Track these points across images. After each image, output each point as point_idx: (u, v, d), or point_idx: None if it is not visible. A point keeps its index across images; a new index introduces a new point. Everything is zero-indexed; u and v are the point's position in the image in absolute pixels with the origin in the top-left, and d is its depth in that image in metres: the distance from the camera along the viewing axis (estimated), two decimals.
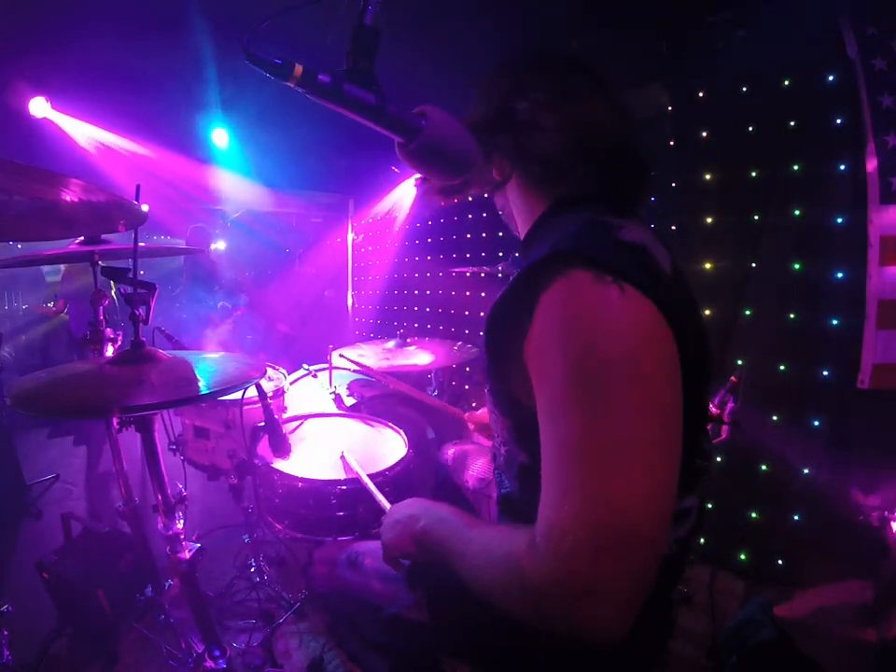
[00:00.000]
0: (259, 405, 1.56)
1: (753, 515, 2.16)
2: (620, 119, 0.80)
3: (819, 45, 1.94)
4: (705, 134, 2.25)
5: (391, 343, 2.41)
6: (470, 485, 1.37)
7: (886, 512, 1.94)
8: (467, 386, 3.47)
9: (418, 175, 0.93)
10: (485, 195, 0.93)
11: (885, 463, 1.96)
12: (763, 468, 2.15)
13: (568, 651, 0.75)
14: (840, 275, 2.00)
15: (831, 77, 1.97)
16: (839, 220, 1.99)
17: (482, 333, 0.74)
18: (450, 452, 1.50)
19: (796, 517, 2.08)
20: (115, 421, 1.35)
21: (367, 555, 1.01)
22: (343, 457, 1.54)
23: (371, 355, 2.27)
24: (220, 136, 3.36)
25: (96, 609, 1.67)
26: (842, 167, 1.98)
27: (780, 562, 2.08)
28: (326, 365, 2.18)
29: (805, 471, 2.08)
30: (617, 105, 0.81)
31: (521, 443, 0.75)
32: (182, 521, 1.14)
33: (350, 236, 5.02)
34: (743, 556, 2.14)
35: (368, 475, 1.42)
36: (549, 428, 0.59)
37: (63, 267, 3.73)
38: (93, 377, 1.00)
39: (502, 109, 0.78)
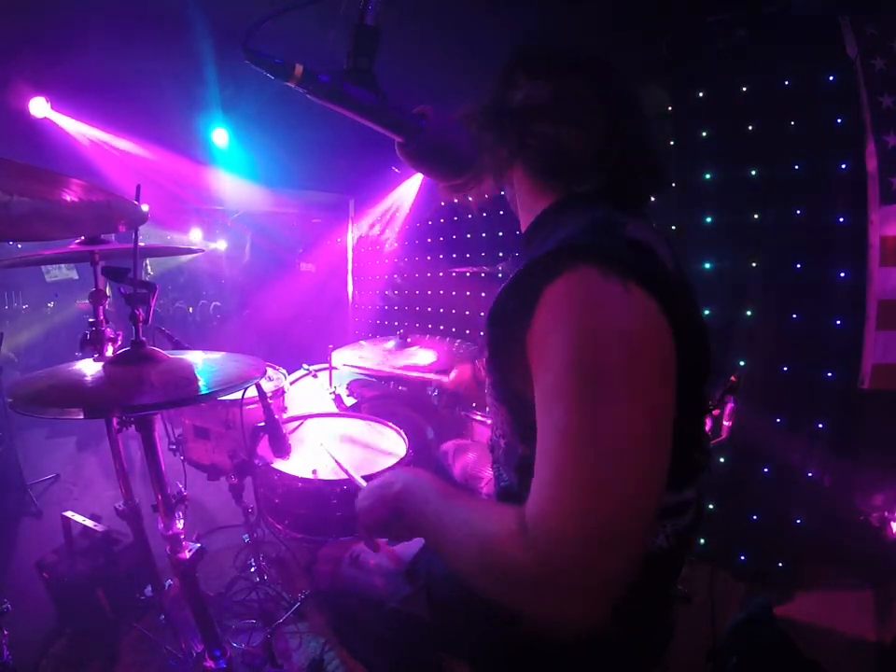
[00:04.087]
0: (259, 405, 1.56)
1: (754, 517, 2.16)
2: (631, 116, 0.79)
3: (819, 45, 1.94)
4: (705, 134, 2.24)
5: (391, 343, 2.41)
6: (456, 475, 1.38)
7: (886, 513, 1.94)
8: None
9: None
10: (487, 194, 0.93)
11: (886, 463, 1.96)
12: (764, 468, 2.14)
13: (567, 650, 0.75)
14: (841, 275, 2.00)
15: (831, 77, 1.96)
16: (839, 220, 1.99)
17: (484, 326, 0.74)
18: (461, 458, 1.50)
19: (797, 518, 2.08)
20: (115, 421, 1.35)
21: (369, 553, 1.01)
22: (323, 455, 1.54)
23: (372, 355, 2.27)
24: (220, 136, 3.36)
25: (96, 609, 1.67)
26: (842, 167, 1.98)
27: (781, 562, 2.08)
28: (326, 365, 2.18)
29: (807, 472, 2.08)
30: (629, 101, 0.80)
31: (520, 435, 0.75)
32: (182, 521, 1.14)
33: (350, 236, 5.02)
34: (743, 557, 2.14)
35: (368, 475, 1.42)
36: (545, 417, 0.60)
37: None
38: (93, 377, 1.00)
39: (513, 106, 0.77)
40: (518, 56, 0.82)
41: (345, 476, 1.40)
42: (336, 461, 1.41)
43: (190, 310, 6.17)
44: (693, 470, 0.76)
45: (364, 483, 1.13)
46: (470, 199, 0.91)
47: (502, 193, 0.93)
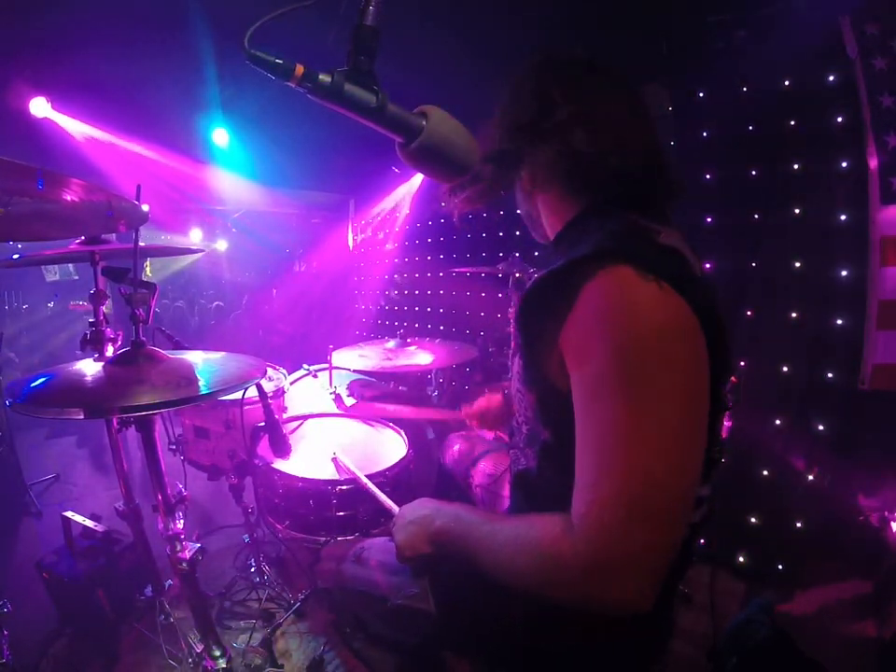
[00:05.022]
0: (260, 405, 1.56)
1: (754, 517, 2.16)
2: (649, 125, 0.82)
3: (819, 45, 1.94)
4: (705, 134, 2.24)
5: (391, 343, 2.41)
6: (478, 481, 1.37)
7: (886, 512, 1.94)
8: (466, 386, 3.46)
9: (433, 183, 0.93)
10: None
11: (886, 464, 1.96)
12: (764, 469, 2.14)
13: (568, 648, 0.76)
14: (841, 275, 2.00)
15: (831, 77, 1.96)
16: (839, 220, 1.99)
17: (516, 316, 0.77)
18: (455, 447, 1.50)
19: (797, 518, 2.08)
20: (115, 421, 1.35)
21: (373, 551, 1.02)
22: (335, 459, 1.53)
23: (372, 355, 2.27)
24: (220, 136, 3.36)
25: (96, 609, 1.67)
26: (842, 167, 1.98)
27: (781, 562, 2.08)
28: (326, 365, 2.18)
29: (806, 472, 2.08)
30: (645, 109, 0.83)
31: (545, 421, 0.76)
32: (182, 521, 1.14)
33: (350, 236, 5.02)
34: (743, 557, 2.14)
35: (368, 475, 1.42)
36: (588, 412, 0.62)
37: None
38: (93, 377, 1.00)
39: (539, 117, 0.78)
40: (544, 66, 0.83)
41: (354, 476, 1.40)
42: (354, 473, 1.40)
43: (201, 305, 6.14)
44: (711, 467, 0.77)
45: (395, 507, 1.13)
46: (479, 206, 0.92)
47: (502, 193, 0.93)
